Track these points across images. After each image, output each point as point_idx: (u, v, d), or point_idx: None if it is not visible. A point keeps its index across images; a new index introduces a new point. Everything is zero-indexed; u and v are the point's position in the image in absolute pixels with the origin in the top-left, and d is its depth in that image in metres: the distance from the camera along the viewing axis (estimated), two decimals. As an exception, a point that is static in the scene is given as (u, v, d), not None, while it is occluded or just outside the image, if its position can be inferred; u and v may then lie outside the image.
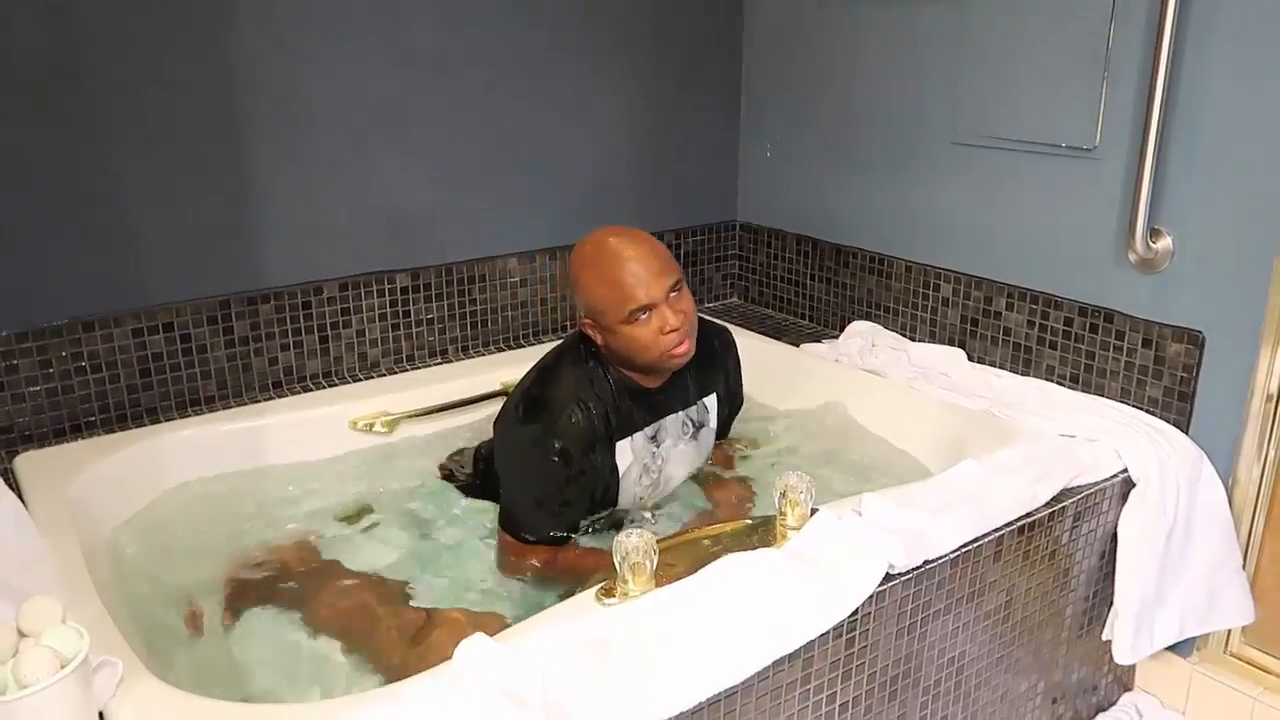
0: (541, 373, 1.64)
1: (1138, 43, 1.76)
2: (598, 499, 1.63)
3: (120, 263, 1.85)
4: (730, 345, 1.84)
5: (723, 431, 1.87)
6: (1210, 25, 1.67)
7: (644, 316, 1.53)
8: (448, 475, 1.88)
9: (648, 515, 1.72)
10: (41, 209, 1.75)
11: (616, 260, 1.53)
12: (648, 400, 1.65)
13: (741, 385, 1.88)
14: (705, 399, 1.76)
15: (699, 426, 1.74)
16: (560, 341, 1.70)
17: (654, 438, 1.67)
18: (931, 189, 2.17)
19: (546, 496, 1.57)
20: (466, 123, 2.18)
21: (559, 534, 1.60)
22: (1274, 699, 1.75)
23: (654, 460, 1.67)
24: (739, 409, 1.91)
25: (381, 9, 2.01)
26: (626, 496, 1.66)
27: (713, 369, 1.77)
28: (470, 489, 1.81)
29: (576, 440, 1.55)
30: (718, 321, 1.93)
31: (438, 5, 2.08)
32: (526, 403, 1.60)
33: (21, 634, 1.04)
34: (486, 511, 1.72)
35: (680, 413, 1.71)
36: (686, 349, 1.57)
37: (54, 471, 1.67)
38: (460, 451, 1.94)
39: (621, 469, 1.62)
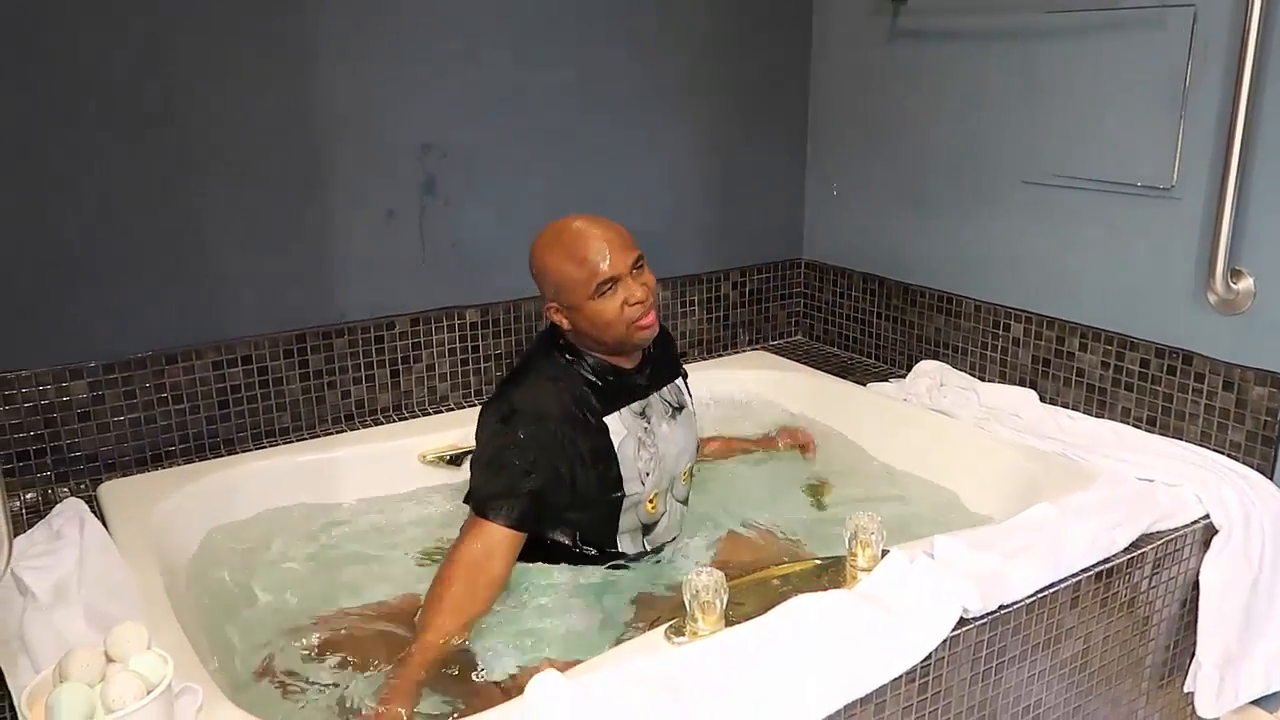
0: (510, 374, 1.69)
1: (1217, 81, 1.74)
2: (593, 465, 1.60)
3: (203, 297, 1.91)
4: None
5: None
6: (1293, 63, 1.64)
7: (610, 289, 1.56)
8: None
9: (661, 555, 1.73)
10: (131, 245, 1.82)
11: (582, 237, 1.58)
12: (627, 379, 1.67)
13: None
14: (676, 380, 1.77)
15: (678, 408, 1.75)
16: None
17: (643, 414, 1.68)
18: (1001, 228, 2.16)
19: (508, 463, 1.53)
20: (537, 162, 2.22)
21: (520, 516, 1.52)
22: (1368, 759, 1.68)
23: (649, 436, 1.67)
24: None
25: (460, 51, 2.07)
26: (630, 469, 1.64)
27: (673, 354, 1.82)
28: None
29: (536, 408, 1.56)
30: None
31: (513, 48, 2.13)
32: (497, 398, 1.62)
33: (110, 659, 1.07)
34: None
35: (658, 393, 1.72)
36: (651, 321, 1.61)
37: (136, 499, 1.72)
38: None
39: (617, 442, 1.62)
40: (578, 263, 1.56)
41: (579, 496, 1.60)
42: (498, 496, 1.53)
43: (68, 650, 1.06)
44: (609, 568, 1.66)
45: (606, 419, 1.63)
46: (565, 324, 1.62)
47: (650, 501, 1.67)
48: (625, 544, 1.67)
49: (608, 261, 1.56)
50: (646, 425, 1.68)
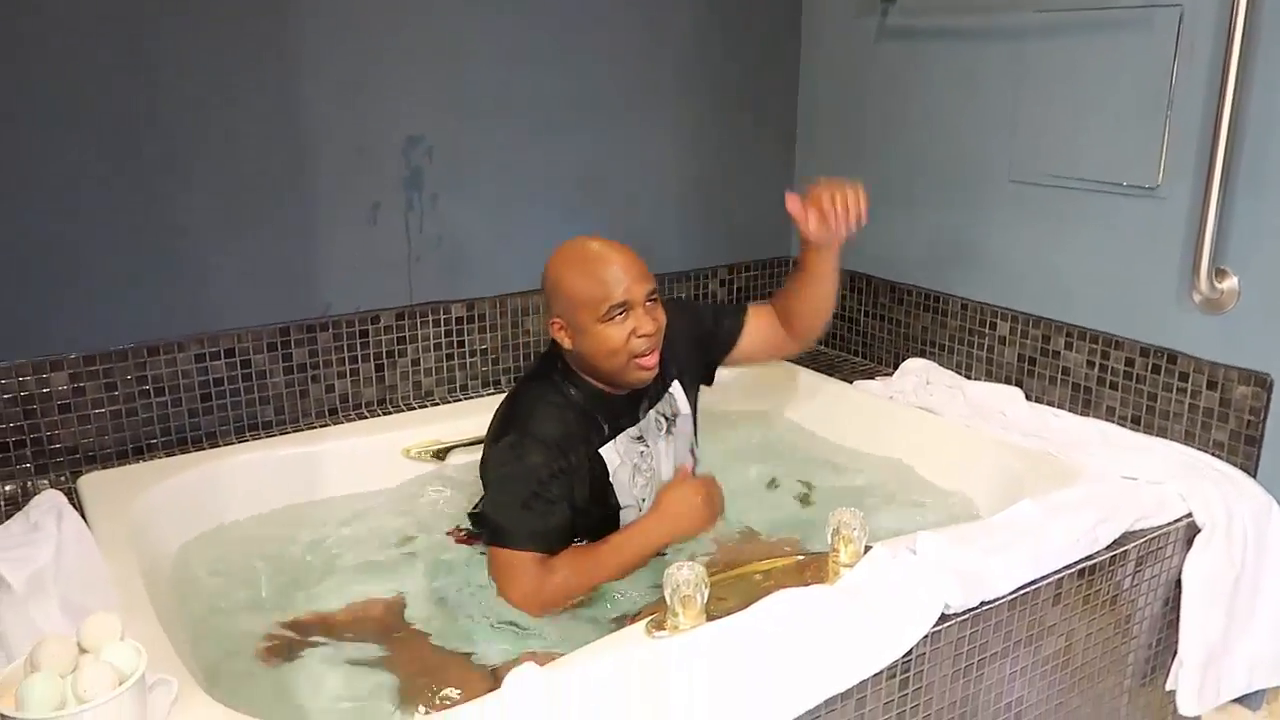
0: (511, 395, 1.67)
1: (1202, 81, 1.74)
2: (591, 500, 1.61)
3: (185, 289, 1.90)
4: (676, 307, 1.74)
5: (727, 323, 1.83)
6: (1276, 64, 1.64)
7: (620, 315, 1.54)
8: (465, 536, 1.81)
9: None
10: (113, 236, 1.81)
11: (602, 259, 1.56)
12: (620, 405, 1.65)
13: (700, 311, 1.83)
14: (670, 388, 1.75)
15: (671, 419, 1.73)
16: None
17: (640, 438, 1.68)
18: (989, 227, 2.16)
19: (531, 496, 1.54)
20: (524, 158, 2.21)
21: (549, 540, 1.55)
22: (1348, 758, 1.69)
23: (644, 460, 1.67)
24: (714, 311, 1.85)
25: (443, 48, 2.06)
26: (628, 497, 1.65)
27: (673, 347, 1.72)
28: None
29: (551, 437, 1.56)
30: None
31: (498, 45, 2.12)
32: (500, 423, 1.62)
33: (82, 649, 1.06)
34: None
35: (653, 411, 1.71)
36: (653, 363, 1.59)
37: (116, 492, 1.71)
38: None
39: (612, 470, 1.62)
40: (595, 282, 1.54)
41: (579, 521, 1.61)
42: (533, 534, 1.54)
43: (39, 639, 1.05)
44: None
45: (602, 450, 1.63)
46: (568, 343, 1.60)
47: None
48: None
49: (623, 286, 1.54)
50: (644, 449, 1.68)
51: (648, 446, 1.68)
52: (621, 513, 1.64)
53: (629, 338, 1.55)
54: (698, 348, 1.81)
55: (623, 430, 1.65)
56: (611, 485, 1.62)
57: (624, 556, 1.58)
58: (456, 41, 2.07)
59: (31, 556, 1.41)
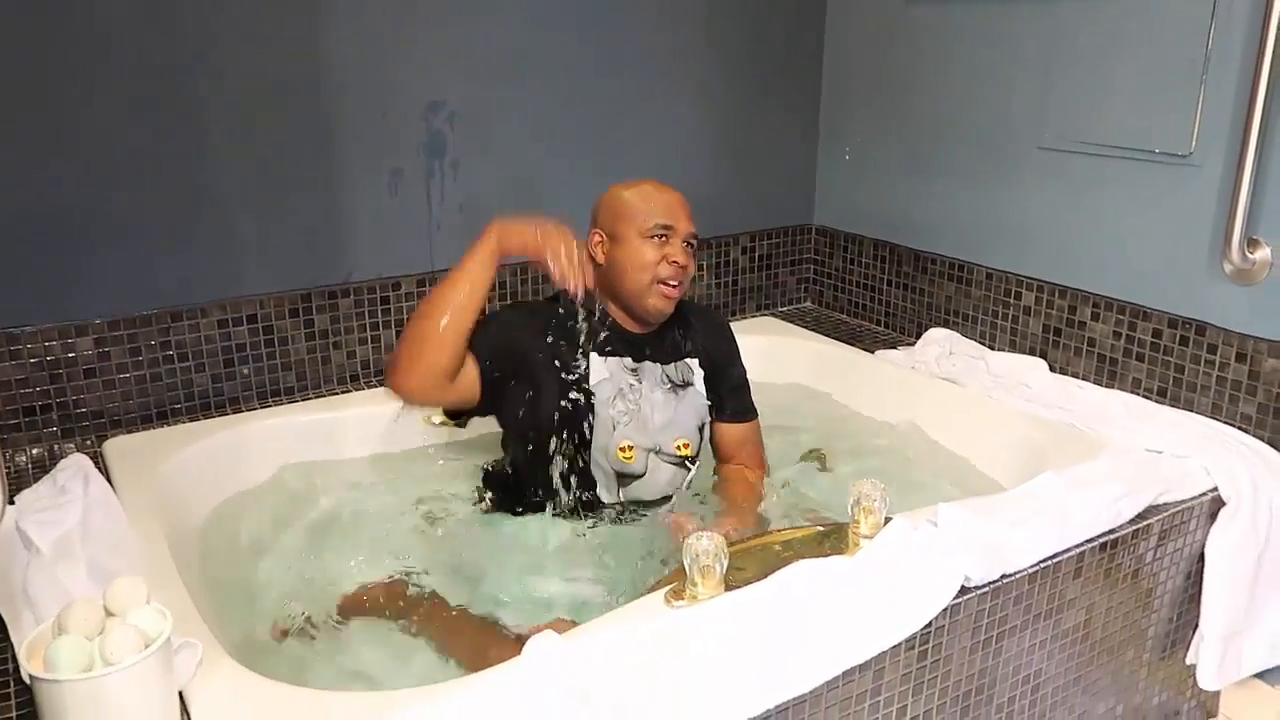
0: None
1: (1238, 46, 1.70)
2: (560, 389, 1.64)
3: (208, 255, 1.90)
4: (725, 327, 1.88)
5: (729, 408, 1.83)
6: (1318, 27, 1.60)
7: (660, 238, 1.65)
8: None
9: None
10: (137, 202, 1.82)
11: (659, 190, 1.71)
12: (629, 339, 1.73)
13: (738, 363, 1.86)
14: (689, 360, 1.78)
15: (680, 384, 1.76)
16: None
17: (635, 371, 1.72)
18: (1016, 194, 2.13)
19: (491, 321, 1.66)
20: (546, 125, 2.19)
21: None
22: (1370, 733, 1.68)
23: (632, 391, 1.71)
24: (739, 386, 1.86)
25: (468, 13, 2.04)
26: (603, 411, 1.67)
27: (703, 341, 1.81)
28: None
29: (505, 310, 1.76)
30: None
31: (519, 10, 2.10)
32: None
33: (108, 612, 1.07)
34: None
35: (660, 365, 1.74)
36: (674, 293, 1.67)
37: (141, 456, 1.72)
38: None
39: (594, 380, 1.67)
40: (648, 202, 1.68)
41: (550, 401, 1.63)
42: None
43: (67, 603, 1.07)
44: (623, 524, 1.67)
45: (594, 356, 1.68)
46: (600, 258, 1.68)
47: (623, 450, 1.68)
48: (602, 489, 1.69)
49: (672, 215, 1.67)
50: (634, 383, 1.70)
51: (638, 383, 1.71)
52: (595, 412, 1.66)
53: (661, 260, 1.65)
54: (714, 376, 1.81)
55: (620, 355, 1.71)
56: (590, 390, 1.67)
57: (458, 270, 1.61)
58: (478, 6, 2.05)
59: (58, 520, 1.43)
